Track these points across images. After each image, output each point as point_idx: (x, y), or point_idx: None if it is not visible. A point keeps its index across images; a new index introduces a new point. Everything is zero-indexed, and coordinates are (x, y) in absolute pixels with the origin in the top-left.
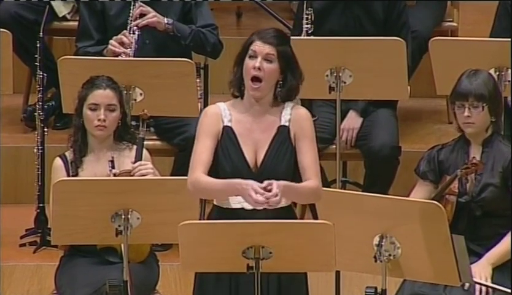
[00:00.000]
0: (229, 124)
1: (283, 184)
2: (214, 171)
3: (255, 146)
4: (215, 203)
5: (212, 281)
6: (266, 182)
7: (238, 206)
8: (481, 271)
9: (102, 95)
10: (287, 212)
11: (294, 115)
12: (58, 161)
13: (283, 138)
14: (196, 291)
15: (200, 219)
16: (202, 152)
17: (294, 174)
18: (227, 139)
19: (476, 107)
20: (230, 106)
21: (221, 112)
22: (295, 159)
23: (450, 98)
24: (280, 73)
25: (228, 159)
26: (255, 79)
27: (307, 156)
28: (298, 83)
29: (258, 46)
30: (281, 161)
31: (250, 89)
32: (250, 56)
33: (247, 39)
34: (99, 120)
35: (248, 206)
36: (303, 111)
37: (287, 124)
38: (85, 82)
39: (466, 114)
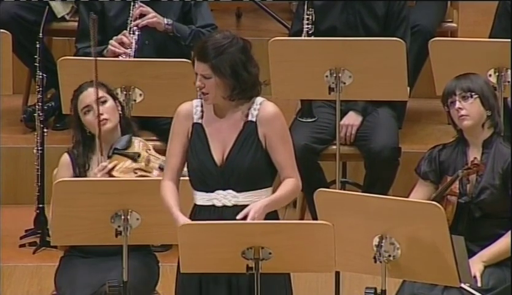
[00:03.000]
0: (199, 121)
1: (263, 205)
2: (187, 168)
3: (223, 143)
4: (194, 202)
5: (184, 282)
6: (241, 214)
7: (209, 203)
8: (472, 267)
9: (87, 94)
10: None
11: (261, 112)
12: (66, 158)
13: (248, 133)
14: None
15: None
16: (171, 156)
17: (261, 169)
18: (196, 136)
19: (465, 98)
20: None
21: (193, 109)
22: (261, 154)
23: (441, 101)
24: (226, 81)
25: (195, 155)
26: (202, 93)
27: (282, 154)
28: (247, 85)
29: (196, 65)
30: (245, 156)
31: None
32: (195, 73)
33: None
34: (97, 116)
35: (218, 203)
36: (271, 108)
37: (253, 119)
38: (72, 98)
39: (457, 106)
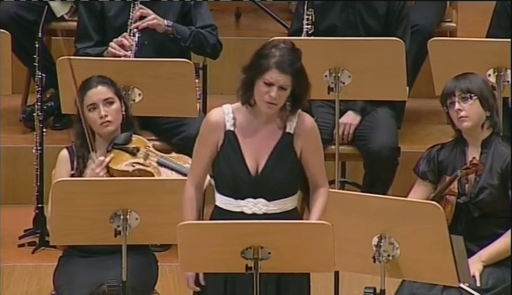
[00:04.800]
0: (231, 128)
1: None
2: (215, 174)
3: (257, 152)
4: (216, 203)
5: (208, 282)
6: None
7: (238, 209)
8: (471, 267)
9: (96, 92)
10: (289, 216)
11: (299, 124)
12: (64, 153)
13: (286, 145)
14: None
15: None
16: (198, 161)
17: (294, 179)
18: (228, 144)
19: (465, 99)
20: (236, 109)
21: (224, 117)
22: (296, 166)
23: (440, 102)
24: (296, 91)
25: (228, 164)
26: (270, 103)
27: (316, 165)
28: (306, 92)
29: (275, 76)
30: (282, 168)
31: (263, 107)
32: (265, 83)
33: (261, 58)
34: (101, 117)
35: (247, 211)
36: (308, 121)
37: (291, 131)
38: (78, 89)
39: (457, 107)
